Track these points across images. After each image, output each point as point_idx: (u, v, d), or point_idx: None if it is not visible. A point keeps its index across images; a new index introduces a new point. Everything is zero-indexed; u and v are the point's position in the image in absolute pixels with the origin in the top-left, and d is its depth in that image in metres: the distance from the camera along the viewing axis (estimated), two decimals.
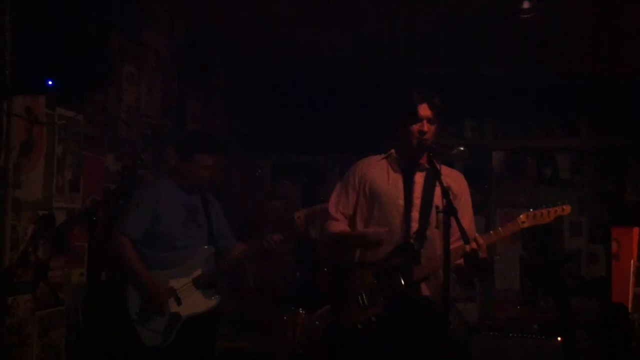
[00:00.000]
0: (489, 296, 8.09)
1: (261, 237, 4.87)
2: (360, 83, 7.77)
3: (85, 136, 4.68)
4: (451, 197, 3.60)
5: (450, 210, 3.43)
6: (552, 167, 8.23)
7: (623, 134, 8.10)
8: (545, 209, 3.91)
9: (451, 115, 7.89)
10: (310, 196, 8.12)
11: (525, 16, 5.04)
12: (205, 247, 4.79)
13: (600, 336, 7.23)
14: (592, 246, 8.06)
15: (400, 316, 3.84)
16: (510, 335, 6.63)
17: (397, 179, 4.04)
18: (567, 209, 3.95)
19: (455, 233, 3.55)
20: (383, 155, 4.16)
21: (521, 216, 3.90)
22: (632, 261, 6.73)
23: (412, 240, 3.90)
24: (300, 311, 6.04)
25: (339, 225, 4.11)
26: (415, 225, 3.93)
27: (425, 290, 3.93)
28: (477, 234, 3.83)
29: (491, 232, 3.87)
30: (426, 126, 3.94)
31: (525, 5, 5.00)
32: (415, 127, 3.94)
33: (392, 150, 4.14)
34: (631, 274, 6.63)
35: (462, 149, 4.44)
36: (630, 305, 6.59)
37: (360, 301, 3.89)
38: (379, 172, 4.09)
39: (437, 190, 3.90)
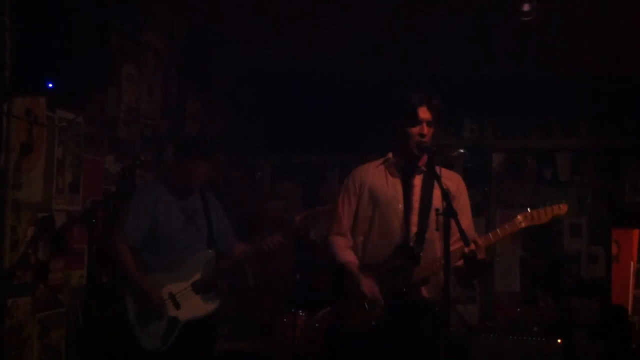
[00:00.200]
0: (488, 297, 8.08)
1: (261, 238, 4.87)
2: (360, 83, 7.77)
3: (85, 137, 4.68)
4: (450, 199, 3.60)
5: (450, 212, 3.43)
6: (552, 168, 8.22)
7: (623, 134, 8.09)
8: (542, 208, 3.92)
9: (451, 116, 7.90)
10: (310, 196, 8.12)
11: (526, 19, 5.02)
12: (205, 250, 4.78)
13: (600, 338, 7.23)
14: (592, 247, 8.05)
15: (400, 318, 3.85)
16: (510, 336, 6.63)
17: (396, 183, 4.05)
18: (564, 207, 3.95)
19: (454, 235, 3.56)
20: (381, 161, 4.17)
21: (518, 216, 3.90)
22: (632, 263, 6.73)
23: (411, 243, 3.91)
24: (300, 313, 6.04)
25: (346, 254, 4.09)
26: (414, 228, 3.95)
27: (425, 291, 3.93)
28: (476, 235, 3.85)
29: (490, 233, 3.87)
30: (425, 129, 3.94)
31: (525, 7, 5.00)
32: (415, 130, 3.94)
33: (390, 155, 4.14)
34: (631, 276, 6.63)
35: (461, 151, 4.44)
36: (630, 307, 6.59)
37: (361, 303, 3.88)
38: (377, 177, 4.10)
39: (436, 193, 3.93)
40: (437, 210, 3.63)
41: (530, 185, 8.23)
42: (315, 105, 7.99)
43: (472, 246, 3.72)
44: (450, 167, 4.23)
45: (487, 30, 6.35)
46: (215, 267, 4.79)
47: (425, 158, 3.98)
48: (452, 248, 3.53)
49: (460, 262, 3.85)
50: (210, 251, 4.80)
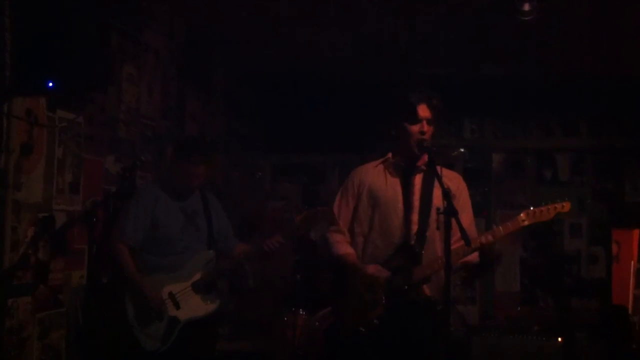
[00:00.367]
0: (488, 297, 8.08)
1: (261, 238, 4.87)
2: (360, 83, 7.77)
3: (85, 137, 4.68)
4: (450, 197, 3.60)
5: (450, 211, 3.43)
6: (552, 168, 8.22)
7: (623, 134, 8.09)
8: (545, 206, 3.92)
9: (451, 116, 7.89)
10: (310, 196, 8.11)
11: (526, 18, 5.02)
12: (205, 250, 4.79)
13: (600, 338, 7.23)
14: (592, 247, 8.06)
15: (401, 317, 3.84)
16: (510, 335, 6.63)
17: (395, 183, 4.05)
18: (567, 205, 3.95)
19: (455, 234, 3.55)
20: (380, 161, 4.17)
21: (522, 214, 3.90)
22: (632, 263, 6.71)
23: (412, 242, 3.91)
24: (301, 312, 6.03)
25: (343, 247, 4.10)
26: (414, 227, 3.94)
27: (427, 289, 3.93)
28: (477, 234, 3.83)
29: (492, 230, 3.88)
30: (425, 127, 3.94)
31: (526, 7, 4.99)
32: (415, 128, 3.94)
33: (389, 155, 4.14)
34: (631, 276, 6.61)
35: (461, 150, 4.43)
36: (630, 307, 6.58)
37: (362, 302, 3.88)
38: (376, 177, 4.10)
39: (436, 192, 3.93)
40: (437, 209, 3.63)
41: (530, 185, 8.23)
42: (315, 105, 7.98)
43: (489, 236, 3.77)
44: (450, 167, 4.23)
45: (487, 30, 6.36)
46: (216, 267, 4.79)
47: (425, 157, 3.97)
48: (452, 247, 3.54)
49: (468, 258, 3.87)
50: (210, 251, 4.80)
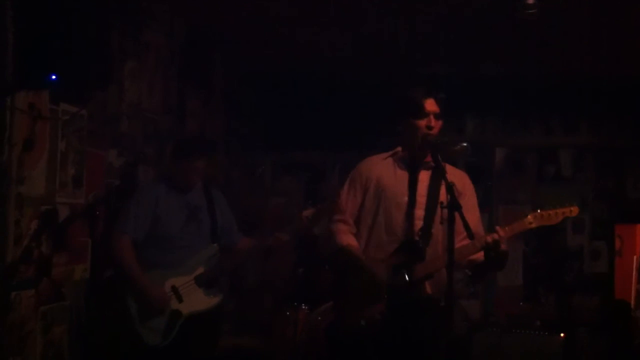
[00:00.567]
0: (491, 293, 8.08)
1: (262, 235, 4.87)
2: (360, 83, 7.77)
3: (88, 131, 4.67)
4: (455, 194, 3.58)
5: (454, 205, 3.42)
6: (555, 165, 8.23)
7: (623, 133, 8.10)
8: (553, 209, 3.91)
9: (452, 116, 7.88)
10: (311, 194, 8.10)
11: (530, 12, 4.98)
12: (209, 245, 4.78)
13: (602, 333, 7.22)
14: (594, 243, 8.08)
15: (402, 314, 3.82)
16: (513, 331, 6.63)
17: (403, 177, 4.02)
18: (575, 210, 3.95)
19: (462, 233, 3.54)
20: (389, 153, 4.14)
21: (529, 216, 3.89)
22: (635, 257, 6.70)
23: (416, 238, 3.89)
24: (303, 307, 6.01)
25: (347, 237, 4.08)
26: (419, 223, 3.92)
27: (428, 288, 3.92)
28: (499, 227, 3.83)
29: (497, 230, 3.83)
30: (433, 121, 3.92)
31: (530, 0, 4.94)
32: (422, 123, 3.92)
33: (399, 148, 4.11)
34: (634, 271, 6.59)
35: (464, 144, 4.42)
36: (633, 302, 6.56)
37: (363, 297, 3.87)
38: (385, 170, 4.07)
39: (443, 189, 3.88)
40: (441, 203, 3.63)
41: (532, 182, 8.24)
42: (315, 105, 7.99)
43: (495, 235, 3.74)
44: (453, 162, 4.20)
45: (487, 30, 6.36)
46: (219, 263, 4.79)
47: (430, 153, 3.94)
48: (457, 246, 3.53)
49: (475, 257, 3.86)
50: (214, 245, 4.81)
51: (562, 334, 6.47)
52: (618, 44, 6.64)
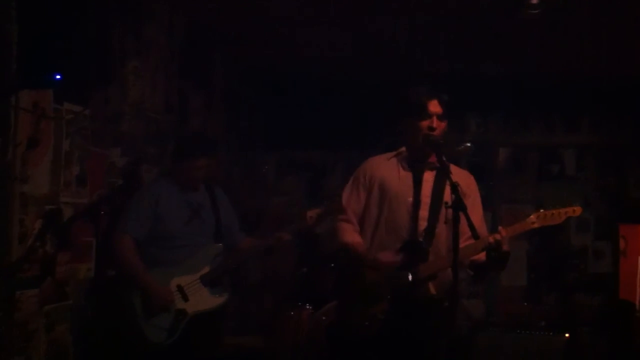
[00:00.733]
0: (494, 292, 8.09)
1: (264, 234, 4.87)
2: (360, 83, 7.77)
3: (91, 130, 4.68)
4: (460, 194, 3.58)
5: (459, 205, 3.40)
6: (559, 164, 8.24)
7: (624, 131, 8.12)
8: (556, 209, 3.90)
9: (452, 115, 7.89)
10: (313, 192, 8.11)
11: (534, 11, 4.97)
12: (213, 244, 4.78)
13: (605, 333, 7.24)
14: (598, 243, 8.10)
15: (404, 315, 3.81)
16: (516, 330, 6.63)
17: (407, 177, 4.01)
18: (578, 210, 3.95)
19: (465, 233, 3.54)
20: (394, 153, 4.13)
21: (532, 216, 3.88)
22: (639, 257, 6.69)
23: (420, 239, 3.89)
24: (307, 306, 6.01)
25: (352, 235, 4.08)
26: (423, 224, 3.91)
27: (432, 288, 3.89)
28: (502, 227, 3.81)
29: (499, 230, 3.81)
30: (435, 122, 3.90)
31: (534, 0, 4.93)
32: (425, 123, 3.90)
33: (403, 148, 4.10)
34: (639, 271, 6.58)
35: (468, 144, 4.41)
36: (637, 302, 6.55)
37: (366, 296, 3.86)
38: (389, 170, 4.06)
39: (448, 190, 3.88)
40: (445, 203, 3.62)
41: (534, 181, 8.26)
42: (315, 105, 7.99)
43: (497, 236, 3.73)
44: (456, 162, 4.20)
45: (487, 30, 6.37)
46: (223, 262, 4.79)
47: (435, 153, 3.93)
48: (462, 245, 3.53)
49: (478, 257, 3.85)
50: (219, 244, 4.81)
51: (566, 334, 6.47)
52: (619, 44, 6.66)
